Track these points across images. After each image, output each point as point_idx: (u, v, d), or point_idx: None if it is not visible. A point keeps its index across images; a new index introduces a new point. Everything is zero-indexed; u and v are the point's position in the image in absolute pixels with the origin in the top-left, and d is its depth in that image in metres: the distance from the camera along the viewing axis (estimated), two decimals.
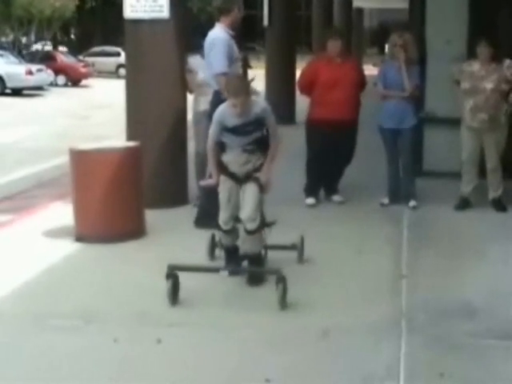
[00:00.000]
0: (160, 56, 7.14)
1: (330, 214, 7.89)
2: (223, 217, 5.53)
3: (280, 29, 16.10)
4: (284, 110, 15.49)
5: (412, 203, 7.99)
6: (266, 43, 17.06)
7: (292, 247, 6.01)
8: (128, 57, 8.18)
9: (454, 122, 8.14)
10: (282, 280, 5.04)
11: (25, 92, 27.27)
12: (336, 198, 8.36)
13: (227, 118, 5.42)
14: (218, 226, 5.61)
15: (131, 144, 7.18)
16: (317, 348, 4.51)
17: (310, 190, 8.27)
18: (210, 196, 6.62)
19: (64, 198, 8.01)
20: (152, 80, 7.53)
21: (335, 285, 5.61)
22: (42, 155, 12.44)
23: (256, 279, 5.51)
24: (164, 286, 5.11)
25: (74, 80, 33.06)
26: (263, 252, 5.72)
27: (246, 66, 14.14)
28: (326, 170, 8.30)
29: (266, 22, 16.31)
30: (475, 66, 7.80)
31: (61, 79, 32.55)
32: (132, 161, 6.85)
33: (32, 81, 27.63)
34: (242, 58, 7.68)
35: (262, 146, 5.55)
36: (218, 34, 6.96)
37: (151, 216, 7.05)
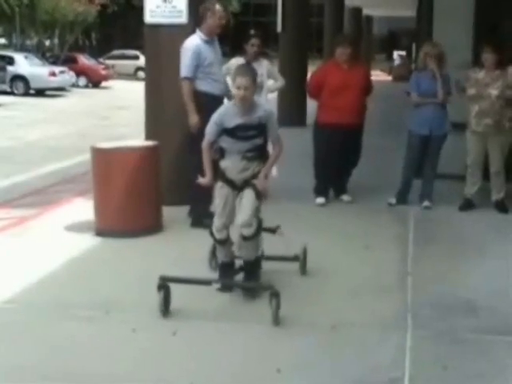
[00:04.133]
0: (178, 59, 7.30)
1: (339, 212, 8.00)
2: (217, 223, 5.25)
3: (293, 35, 16.30)
4: (295, 113, 15.79)
5: (426, 203, 8.16)
6: (279, 48, 17.27)
7: (294, 258, 5.77)
8: (147, 60, 8.34)
9: (458, 127, 8.25)
10: (275, 296, 4.80)
11: (48, 93, 27.70)
12: (345, 197, 8.51)
13: (228, 117, 5.17)
14: (211, 234, 5.32)
15: (150, 143, 7.31)
16: (325, 340, 4.59)
17: (319, 190, 8.41)
18: (197, 198, 6.87)
19: (85, 194, 8.19)
20: (170, 82, 7.63)
21: (342, 282, 5.68)
22: (65, 153, 12.60)
23: (250, 292, 5.30)
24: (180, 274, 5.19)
25: (95, 82, 33.54)
26: (260, 254, 5.49)
27: None
28: (332, 172, 8.41)
29: (279, 28, 16.48)
30: (480, 73, 7.94)
31: (82, 81, 33.12)
32: (150, 159, 6.97)
33: (55, 82, 28.17)
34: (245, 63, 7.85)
35: (262, 153, 5.32)
36: (188, 41, 7.17)
37: (169, 213, 7.18)
